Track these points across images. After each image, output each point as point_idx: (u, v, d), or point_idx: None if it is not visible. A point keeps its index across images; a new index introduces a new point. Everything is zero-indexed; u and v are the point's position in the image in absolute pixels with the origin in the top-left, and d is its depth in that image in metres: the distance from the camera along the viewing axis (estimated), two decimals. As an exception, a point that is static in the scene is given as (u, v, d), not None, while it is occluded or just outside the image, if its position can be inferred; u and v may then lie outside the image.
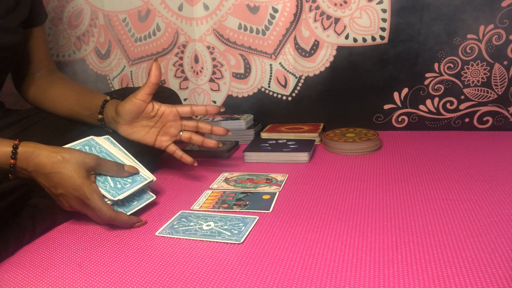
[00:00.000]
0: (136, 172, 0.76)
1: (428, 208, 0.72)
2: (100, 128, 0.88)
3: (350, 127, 1.19)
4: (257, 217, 0.72)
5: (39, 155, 0.66)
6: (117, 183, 0.73)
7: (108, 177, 0.73)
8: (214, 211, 0.76)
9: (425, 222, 0.67)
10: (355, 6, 1.14)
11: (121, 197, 0.70)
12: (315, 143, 1.09)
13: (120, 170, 0.74)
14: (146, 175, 0.77)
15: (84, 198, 0.66)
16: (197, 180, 0.93)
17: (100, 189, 0.69)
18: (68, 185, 0.66)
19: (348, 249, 0.60)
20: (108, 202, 0.69)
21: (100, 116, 0.85)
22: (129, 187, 0.73)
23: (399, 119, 1.21)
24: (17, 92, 0.98)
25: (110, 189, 0.70)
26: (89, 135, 0.80)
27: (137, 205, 0.74)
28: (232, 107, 1.32)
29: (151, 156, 0.94)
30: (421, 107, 1.18)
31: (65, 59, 1.36)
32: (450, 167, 0.90)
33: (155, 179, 0.78)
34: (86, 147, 0.76)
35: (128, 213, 0.71)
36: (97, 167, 0.70)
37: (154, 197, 0.78)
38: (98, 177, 0.71)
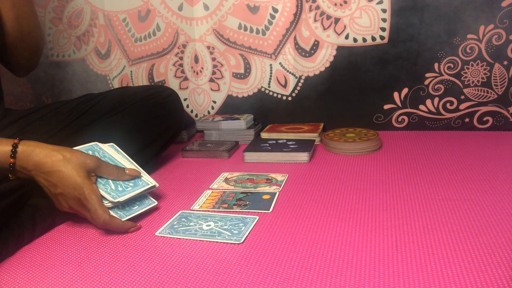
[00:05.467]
0: (138, 175, 0.76)
1: (428, 208, 0.72)
2: (100, 131, 0.88)
3: (350, 127, 1.19)
4: (257, 217, 0.72)
5: (39, 154, 0.66)
6: (119, 186, 0.72)
7: (110, 181, 0.72)
8: (214, 211, 0.76)
9: (425, 222, 0.67)
10: (355, 6, 1.14)
11: (121, 199, 0.70)
12: (315, 143, 1.09)
13: (120, 174, 0.73)
14: (149, 180, 0.77)
15: (82, 198, 0.66)
16: (197, 180, 0.93)
17: (101, 190, 0.69)
18: (68, 184, 0.66)
19: (348, 249, 0.60)
20: (109, 204, 0.69)
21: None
22: (131, 190, 0.73)
23: (399, 119, 1.21)
24: (17, 92, 0.97)
25: (111, 191, 0.70)
26: (87, 134, 0.80)
27: (137, 210, 0.74)
28: (232, 107, 1.32)
29: (148, 156, 0.95)
30: (421, 107, 1.18)
31: (65, 59, 1.36)
32: (450, 167, 0.90)
33: (157, 185, 0.78)
34: (90, 152, 0.76)
35: (128, 217, 0.71)
36: (98, 169, 0.70)
37: (156, 203, 0.77)
38: (99, 180, 0.71)
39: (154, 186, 0.77)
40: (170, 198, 0.84)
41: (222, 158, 1.08)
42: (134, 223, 0.71)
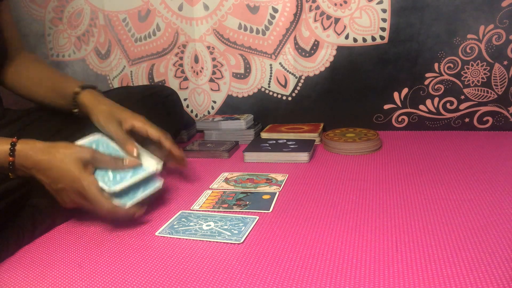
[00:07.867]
0: (137, 165, 0.75)
1: (428, 208, 0.72)
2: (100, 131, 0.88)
3: (350, 127, 1.19)
4: (257, 217, 0.72)
5: (37, 151, 0.66)
6: (117, 175, 0.72)
7: (110, 171, 0.72)
8: (214, 211, 0.76)
9: (425, 222, 0.67)
10: (355, 6, 1.14)
11: (117, 188, 0.69)
12: (315, 143, 1.09)
13: (117, 164, 0.73)
14: (150, 166, 0.76)
15: (82, 190, 0.66)
16: (197, 180, 0.93)
17: (98, 181, 0.69)
18: (67, 179, 0.66)
19: (348, 249, 0.60)
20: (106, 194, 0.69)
21: (75, 110, 0.85)
22: (129, 178, 0.72)
23: (399, 119, 1.21)
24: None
25: (108, 181, 0.70)
26: (87, 132, 0.79)
27: (142, 194, 0.73)
28: (232, 107, 1.32)
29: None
30: (421, 107, 1.18)
31: (65, 59, 1.36)
32: (450, 167, 0.90)
33: (160, 168, 0.76)
34: (94, 145, 0.76)
35: (133, 202, 0.70)
36: (93, 160, 0.70)
37: (162, 181, 0.76)
38: (98, 171, 0.71)
39: (155, 171, 0.76)
40: (170, 198, 0.84)
41: (222, 158, 1.08)
42: (137, 208, 0.71)
